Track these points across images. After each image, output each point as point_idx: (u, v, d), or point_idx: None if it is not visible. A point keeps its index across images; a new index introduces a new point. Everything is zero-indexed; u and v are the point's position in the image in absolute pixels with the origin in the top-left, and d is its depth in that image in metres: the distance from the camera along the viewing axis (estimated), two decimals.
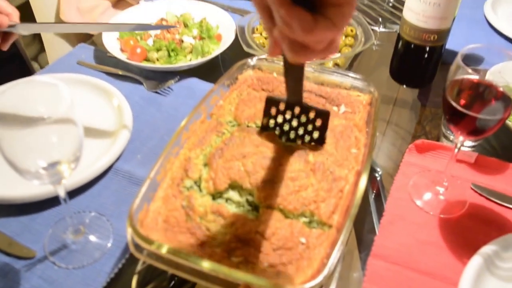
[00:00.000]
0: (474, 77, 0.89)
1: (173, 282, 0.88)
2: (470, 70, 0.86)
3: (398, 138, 1.23)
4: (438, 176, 1.08)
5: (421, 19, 1.23)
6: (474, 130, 0.90)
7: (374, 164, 1.17)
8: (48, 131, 0.71)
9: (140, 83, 1.38)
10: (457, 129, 0.92)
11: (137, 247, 0.72)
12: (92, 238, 0.95)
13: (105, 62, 1.47)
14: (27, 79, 0.76)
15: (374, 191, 1.10)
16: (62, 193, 0.85)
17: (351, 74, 1.08)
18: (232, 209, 0.82)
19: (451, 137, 1.21)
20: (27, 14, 1.77)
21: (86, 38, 1.59)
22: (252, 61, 1.11)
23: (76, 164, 0.79)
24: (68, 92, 0.73)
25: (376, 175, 1.14)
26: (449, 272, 0.91)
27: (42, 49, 3.09)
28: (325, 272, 0.68)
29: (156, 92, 1.35)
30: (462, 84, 0.90)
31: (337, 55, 1.38)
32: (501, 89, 0.87)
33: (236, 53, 1.42)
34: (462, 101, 0.88)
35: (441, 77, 1.36)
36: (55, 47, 2.18)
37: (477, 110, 0.87)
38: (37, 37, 3.12)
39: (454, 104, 0.88)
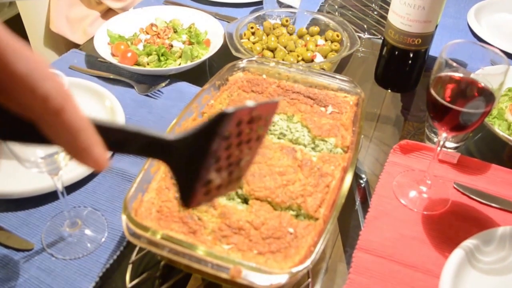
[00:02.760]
0: (458, 74, 0.91)
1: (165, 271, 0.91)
2: (454, 64, 0.88)
3: (381, 153, 1.25)
4: (422, 175, 1.10)
5: (406, 22, 1.25)
6: (457, 124, 0.92)
7: (360, 170, 1.19)
8: None
9: (131, 86, 1.41)
10: (441, 124, 0.94)
11: (132, 234, 0.74)
12: (88, 231, 0.98)
13: (97, 67, 1.49)
14: None
15: (360, 197, 1.12)
16: (59, 186, 0.87)
17: (338, 76, 1.11)
18: (223, 201, 0.84)
19: (435, 139, 1.23)
20: (17, 26, 1.78)
21: (75, 47, 1.61)
22: (242, 63, 1.14)
23: None
24: (67, 82, 0.75)
25: (361, 181, 1.17)
26: (431, 265, 0.94)
27: None
28: (312, 257, 0.70)
29: (147, 95, 1.38)
30: (446, 80, 0.92)
31: (323, 59, 1.41)
32: (483, 84, 0.89)
33: (223, 58, 1.44)
34: (446, 96, 0.90)
35: (424, 86, 1.37)
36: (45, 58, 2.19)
37: (460, 104, 0.89)
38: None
39: (438, 98, 0.90)
